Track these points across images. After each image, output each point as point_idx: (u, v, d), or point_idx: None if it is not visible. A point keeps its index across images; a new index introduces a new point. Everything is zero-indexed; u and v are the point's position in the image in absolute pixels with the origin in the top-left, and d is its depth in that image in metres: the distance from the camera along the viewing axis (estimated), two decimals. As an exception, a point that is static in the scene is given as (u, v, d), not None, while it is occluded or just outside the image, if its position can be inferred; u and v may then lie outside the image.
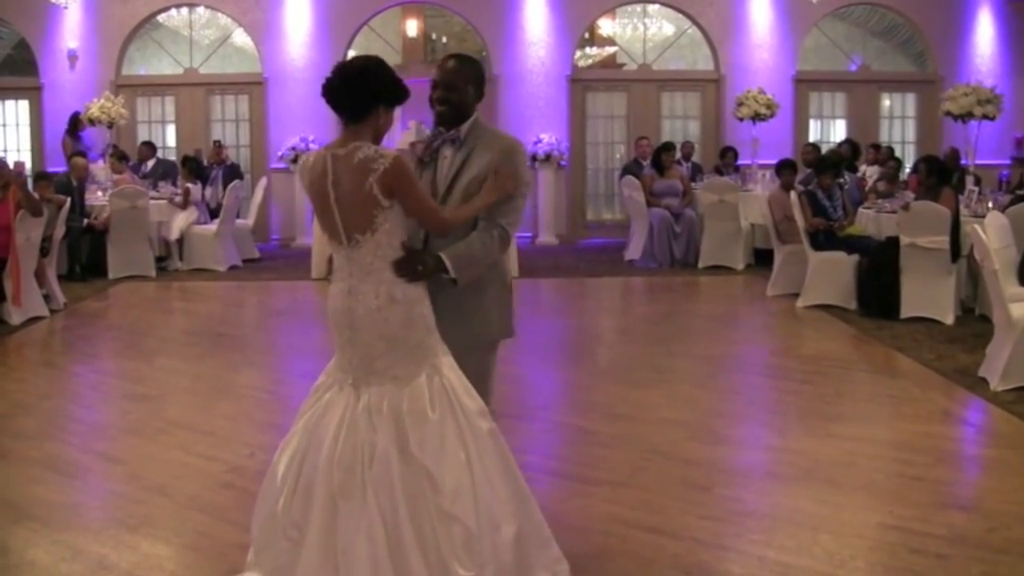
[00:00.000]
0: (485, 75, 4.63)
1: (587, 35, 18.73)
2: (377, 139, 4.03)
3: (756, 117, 16.21)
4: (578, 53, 18.48)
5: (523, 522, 3.97)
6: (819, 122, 18.64)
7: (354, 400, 3.97)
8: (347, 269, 4.02)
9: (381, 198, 3.86)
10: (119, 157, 15.02)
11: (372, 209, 3.88)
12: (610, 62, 19.29)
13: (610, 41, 19.18)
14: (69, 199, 12.12)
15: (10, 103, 17.88)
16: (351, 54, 17.46)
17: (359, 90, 3.96)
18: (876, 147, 15.79)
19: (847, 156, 14.43)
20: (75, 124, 16.15)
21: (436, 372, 3.99)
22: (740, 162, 16.05)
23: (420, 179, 4.50)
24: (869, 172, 14.76)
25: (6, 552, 4.90)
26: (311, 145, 16.25)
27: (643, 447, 6.42)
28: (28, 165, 16.68)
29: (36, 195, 10.93)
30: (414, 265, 4.07)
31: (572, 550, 4.83)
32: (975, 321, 10.15)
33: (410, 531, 3.75)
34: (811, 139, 17.38)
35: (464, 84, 4.44)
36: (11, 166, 11.34)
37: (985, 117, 14.21)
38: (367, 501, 3.77)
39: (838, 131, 18.41)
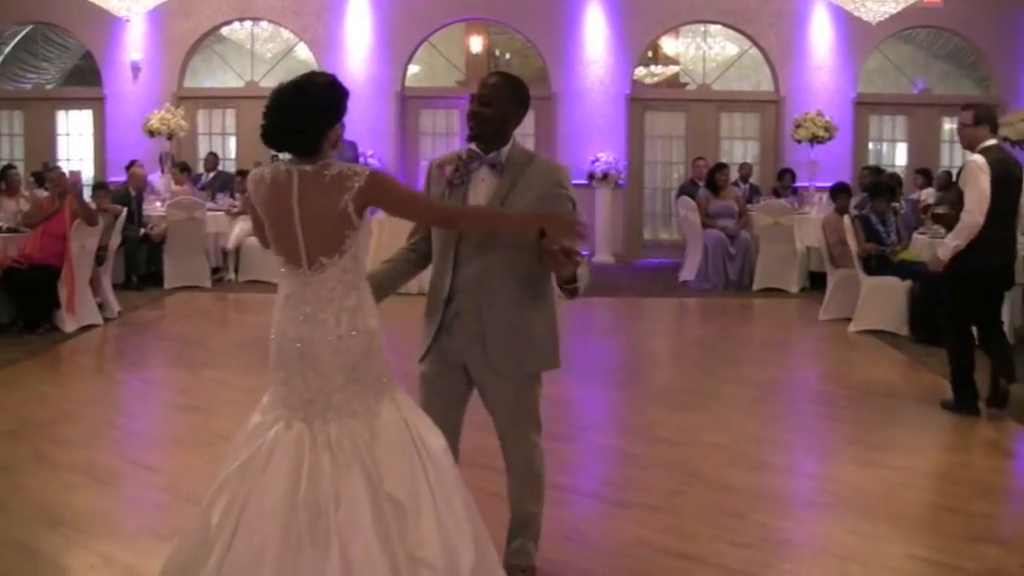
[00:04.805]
0: (528, 99, 4.36)
1: (651, 54, 18.70)
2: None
3: (814, 139, 16.03)
4: (643, 71, 18.46)
5: (479, 559, 3.68)
6: (879, 145, 18.44)
7: (309, 438, 3.62)
8: (303, 295, 3.69)
9: (354, 217, 3.61)
10: (181, 168, 15.22)
11: (344, 230, 3.62)
12: (673, 81, 19.26)
13: (673, 60, 19.14)
14: (125, 209, 12.31)
15: (74, 113, 18.15)
16: (412, 70, 17.57)
17: (316, 115, 3.65)
18: (925, 172, 15.48)
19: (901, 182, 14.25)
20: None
21: (397, 407, 3.74)
22: (797, 184, 15.91)
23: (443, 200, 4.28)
24: (924, 195, 14.57)
25: (37, 556, 4.96)
26: (370, 160, 16.32)
27: (681, 471, 6.36)
28: (89, 175, 16.90)
29: (93, 205, 11.09)
30: (568, 261, 3.93)
31: (596, 572, 4.81)
32: (1030, 351, 9.97)
33: None
34: (871, 162, 17.16)
35: (503, 101, 4.21)
36: (67, 175, 11.50)
37: (1042, 143, 14.03)
38: (330, 552, 3.43)
39: (899, 155, 18.21)
